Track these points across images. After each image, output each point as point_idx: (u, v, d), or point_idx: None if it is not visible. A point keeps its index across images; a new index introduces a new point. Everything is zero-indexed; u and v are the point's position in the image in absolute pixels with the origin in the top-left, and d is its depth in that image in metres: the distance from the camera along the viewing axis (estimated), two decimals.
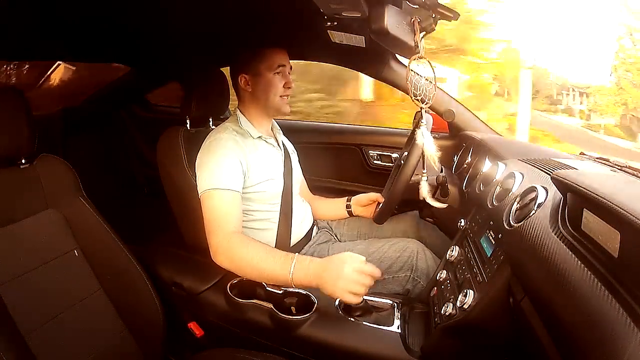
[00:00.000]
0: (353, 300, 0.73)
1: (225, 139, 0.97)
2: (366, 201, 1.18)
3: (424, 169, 0.89)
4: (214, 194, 0.90)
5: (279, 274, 0.79)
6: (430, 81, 0.86)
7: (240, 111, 1.06)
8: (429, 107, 0.87)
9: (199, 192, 0.93)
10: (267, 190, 1.00)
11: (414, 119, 1.37)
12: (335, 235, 1.23)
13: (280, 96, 1.04)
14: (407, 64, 0.82)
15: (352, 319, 0.79)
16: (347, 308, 0.82)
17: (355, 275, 0.73)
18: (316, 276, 0.76)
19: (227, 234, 0.87)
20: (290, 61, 1.08)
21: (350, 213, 1.22)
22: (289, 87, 1.04)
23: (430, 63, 0.86)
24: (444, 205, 0.92)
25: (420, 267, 0.98)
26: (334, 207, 1.25)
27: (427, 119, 0.99)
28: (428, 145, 0.84)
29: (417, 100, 0.83)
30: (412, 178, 0.94)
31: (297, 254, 0.82)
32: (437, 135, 1.57)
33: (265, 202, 1.01)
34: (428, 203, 1.05)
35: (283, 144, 1.15)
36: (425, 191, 0.89)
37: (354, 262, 0.74)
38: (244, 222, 1.01)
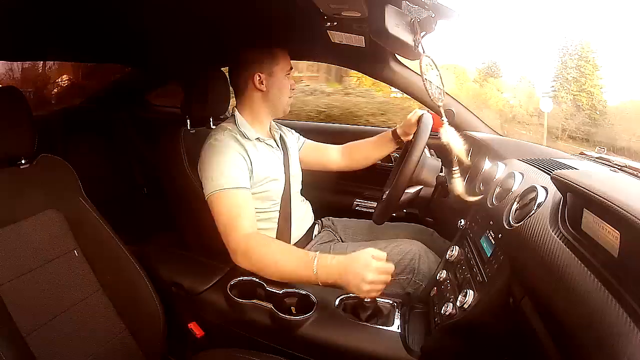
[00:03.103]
0: (373, 295, 0.76)
1: (226, 139, 0.97)
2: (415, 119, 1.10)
3: (454, 166, 0.88)
4: (223, 195, 0.90)
5: (301, 274, 0.80)
6: (439, 78, 0.87)
7: (239, 112, 1.06)
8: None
9: (205, 195, 0.93)
10: (268, 191, 1.00)
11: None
12: (339, 236, 1.23)
13: (289, 97, 1.08)
14: (418, 69, 0.81)
15: (351, 319, 0.79)
16: (348, 308, 0.82)
17: (377, 275, 0.74)
18: (339, 276, 0.76)
19: (244, 236, 0.87)
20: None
21: (400, 144, 1.20)
22: (293, 89, 1.09)
23: (434, 62, 0.86)
24: (477, 198, 0.91)
25: (422, 270, 0.97)
26: (378, 147, 1.24)
27: (427, 120, 0.99)
28: (454, 141, 0.84)
29: (434, 99, 0.83)
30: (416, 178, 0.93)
31: (317, 252, 0.82)
32: (437, 135, 1.58)
33: (266, 202, 1.01)
34: (428, 203, 1.05)
35: (283, 141, 1.14)
36: (460, 187, 0.88)
37: (376, 263, 0.75)
38: None
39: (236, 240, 0.86)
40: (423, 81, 0.81)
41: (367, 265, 0.74)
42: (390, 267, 0.77)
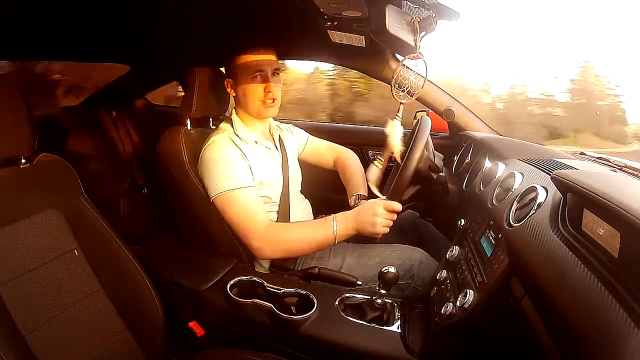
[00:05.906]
0: (385, 231, 0.90)
1: (224, 141, 0.97)
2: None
3: (383, 157, 0.91)
4: (231, 197, 0.93)
5: (324, 238, 0.92)
6: (421, 76, 0.87)
7: (236, 114, 1.06)
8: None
9: (211, 197, 0.94)
10: (266, 196, 1.01)
11: (414, 118, 1.38)
12: None
13: (262, 101, 1.00)
14: (401, 60, 0.82)
15: (351, 319, 0.79)
16: (348, 308, 0.82)
17: (386, 212, 0.89)
18: (355, 224, 0.91)
19: (264, 230, 0.92)
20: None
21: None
22: (269, 92, 0.99)
23: (425, 62, 0.86)
24: (382, 197, 0.94)
25: (421, 276, 0.97)
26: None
27: (426, 121, 0.99)
28: (396, 138, 0.85)
29: (401, 93, 0.84)
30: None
31: (332, 215, 0.94)
32: (437, 135, 1.58)
33: (265, 205, 1.01)
34: (427, 202, 1.06)
35: (281, 142, 1.14)
36: (373, 177, 0.92)
37: (382, 203, 0.89)
38: None
39: (258, 236, 0.92)
40: (393, 75, 0.82)
41: (374, 207, 0.89)
42: (396, 206, 0.89)
